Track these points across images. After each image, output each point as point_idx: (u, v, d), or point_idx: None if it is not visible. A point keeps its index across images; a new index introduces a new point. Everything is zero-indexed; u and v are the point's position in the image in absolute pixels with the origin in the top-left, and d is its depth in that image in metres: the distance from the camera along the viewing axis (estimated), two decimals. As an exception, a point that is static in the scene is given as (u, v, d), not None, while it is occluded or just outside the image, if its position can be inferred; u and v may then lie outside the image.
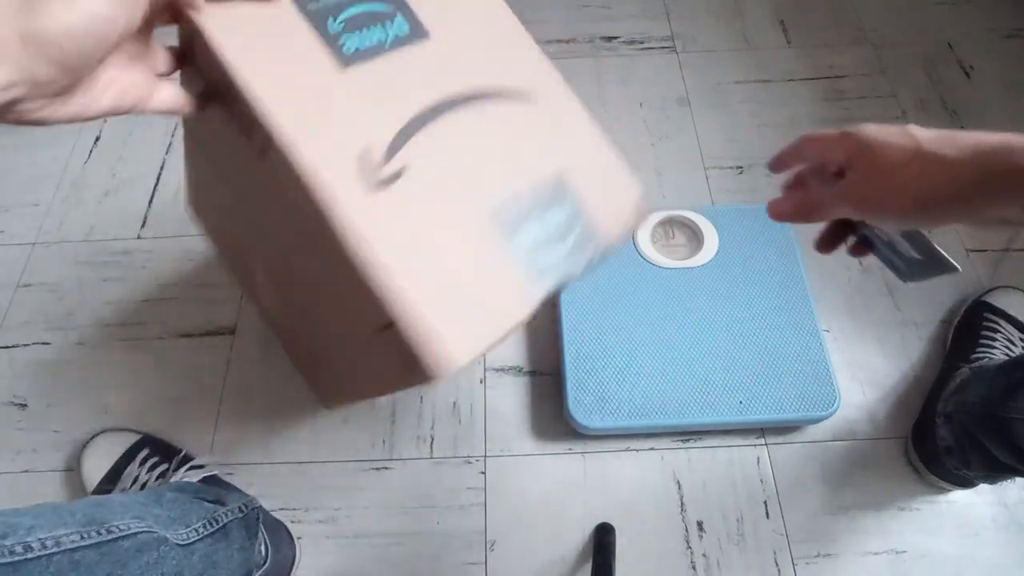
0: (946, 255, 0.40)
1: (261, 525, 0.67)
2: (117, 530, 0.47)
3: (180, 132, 1.08)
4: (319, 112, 0.38)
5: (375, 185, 0.38)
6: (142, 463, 0.75)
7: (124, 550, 0.46)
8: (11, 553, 0.39)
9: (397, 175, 0.39)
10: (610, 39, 1.18)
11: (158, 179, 1.04)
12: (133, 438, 0.78)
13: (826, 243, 0.45)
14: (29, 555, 0.40)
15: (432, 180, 0.40)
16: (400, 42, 0.41)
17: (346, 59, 0.40)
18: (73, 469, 0.79)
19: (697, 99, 1.09)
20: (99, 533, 0.45)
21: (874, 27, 1.17)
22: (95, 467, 0.76)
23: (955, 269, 0.40)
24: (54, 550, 0.42)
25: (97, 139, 1.09)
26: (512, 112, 0.44)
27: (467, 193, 0.40)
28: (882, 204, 0.36)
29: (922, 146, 0.35)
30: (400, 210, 0.38)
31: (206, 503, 0.61)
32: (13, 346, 0.89)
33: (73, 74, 0.30)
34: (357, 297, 0.39)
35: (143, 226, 0.99)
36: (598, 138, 0.46)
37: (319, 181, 0.37)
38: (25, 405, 0.85)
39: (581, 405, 0.77)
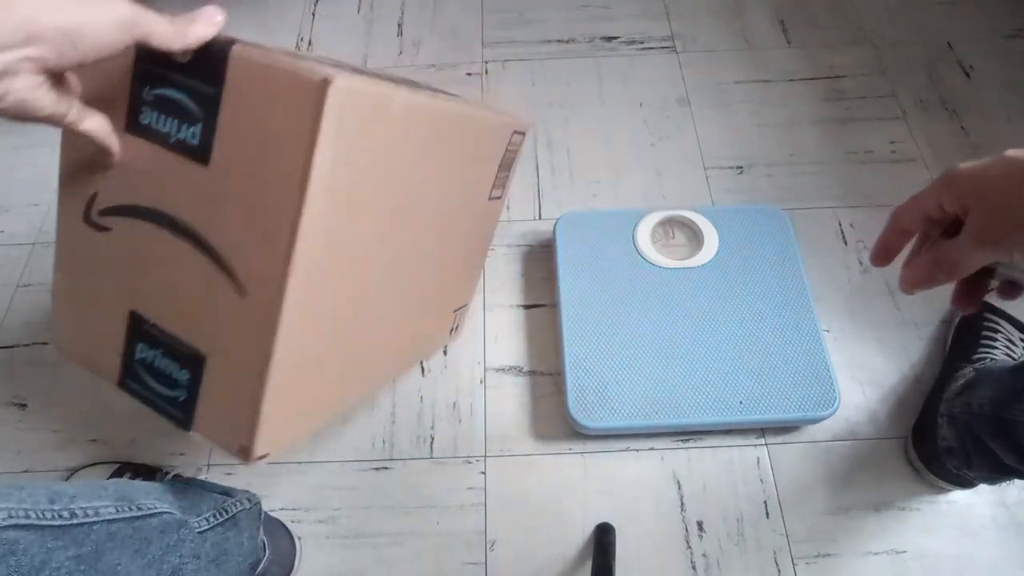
0: None
1: (261, 522, 0.67)
2: (146, 508, 0.50)
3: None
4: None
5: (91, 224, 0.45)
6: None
7: (152, 527, 0.49)
8: (59, 516, 0.43)
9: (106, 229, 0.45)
10: (610, 39, 1.18)
11: (158, 179, 1.04)
12: (113, 466, 0.78)
13: (965, 298, 0.43)
14: (74, 521, 0.44)
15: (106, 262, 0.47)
16: (181, 148, 0.41)
17: (134, 127, 0.41)
18: (73, 470, 0.79)
19: (697, 99, 1.09)
20: (130, 509, 0.48)
21: (874, 27, 1.17)
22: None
23: None
24: (94, 519, 0.45)
25: (97, 139, 1.09)
26: (190, 266, 0.44)
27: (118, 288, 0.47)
28: (1018, 238, 0.34)
29: (1006, 154, 0.34)
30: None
31: (215, 494, 0.62)
32: (13, 346, 0.89)
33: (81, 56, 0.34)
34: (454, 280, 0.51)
35: (143, 226, 0.99)
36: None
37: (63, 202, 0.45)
38: (25, 405, 0.85)
39: (581, 405, 0.77)
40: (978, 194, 0.35)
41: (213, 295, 0.42)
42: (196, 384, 0.44)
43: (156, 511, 0.50)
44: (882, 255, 0.42)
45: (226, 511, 0.59)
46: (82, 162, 0.44)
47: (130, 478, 0.76)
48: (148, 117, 0.41)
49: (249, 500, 0.65)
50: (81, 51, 0.33)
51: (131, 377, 0.46)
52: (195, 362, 0.43)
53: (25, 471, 0.80)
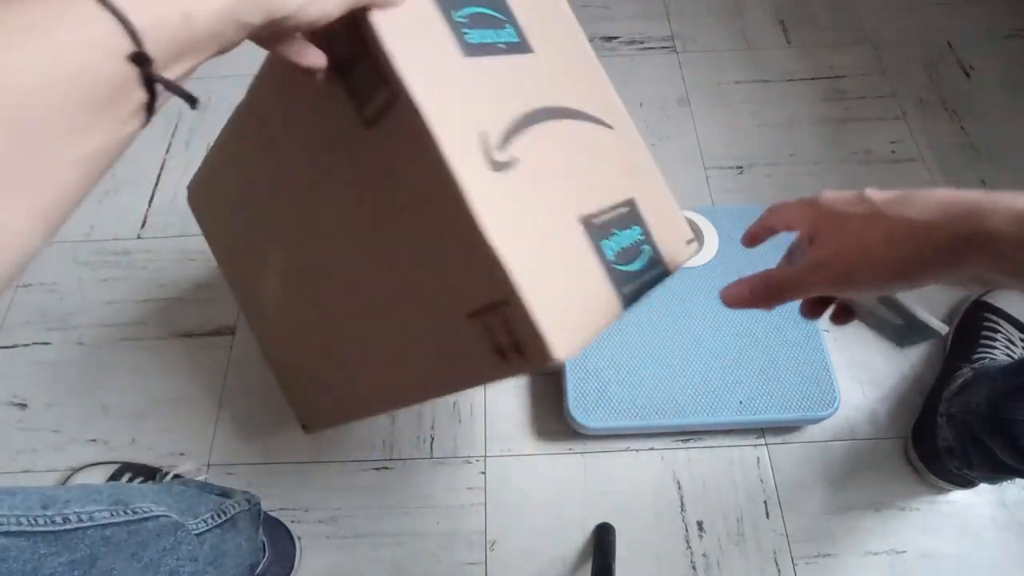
0: (928, 318, 0.38)
1: (261, 523, 0.67)
2: (141, 511, 0.49)
3: (180, 133, 1.09)
4: (445, 86, 0.39)
5: (491, 165, 0.39)
6: (128, 482, 0.75)
7: (148, 531, 0.49)
8: (52, 522, 0.42)
9: (509, 164, 0.40)
10: (610, 39, 1.18)
11: (158, 179, 1.04)
12: (113, 467, 0.78)
13: (809, 309, 0.44)
14: (67, 526, 0.43)
15: (534, 177, 0.41)
16: (510, 49, 0.43)
17: (468, 48, 0.41)
18: (74, 470, 0.79)
19: (697, 99, 1.09)
20: (126, 512, 0.48)
21: (874, 27, 1.17)
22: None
23: (938, 334, 0.38)
24: (88, 524, 0.44)
25: (97, 139, 1.09)
26: (598, 136, 0.48)
27: (563, 196, 0.42)
28: (853, 275, 0.34)
29: (881, 210, 0.33)
30: (511, 195, 0.39)
31: (213, 495, 0.61)
32: (13, 346, 0.89)
33: None
34: (459, 275, 0.40)
35: (143, 226, 0.99)
36: (660, 178, 0.51)
37: (447, 145, 0.37)
38: (25, 405, 0.85)
39: (581, 405, 0.77)
40: (834, 228, 0.36)
41: (612, 149, 0.47)
42: (649, 235, 0.46)
43: (152, 514, 0.50)
44: (748, 241, 0.45)
45: (224, 512, 0.59)
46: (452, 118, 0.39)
47: (130, 478, 0.76)
48: (473, 36, 0.42)
49: (248, 501, 0.65)
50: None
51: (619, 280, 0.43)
52: (635, 215, 0.46)
53: (25, 471, 0.80)
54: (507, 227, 0.38)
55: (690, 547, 0.75)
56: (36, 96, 0.22)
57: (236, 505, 0.61)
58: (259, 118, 0.53)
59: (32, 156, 0.22)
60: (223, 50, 0.29)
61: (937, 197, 0.32)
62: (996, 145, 1.02)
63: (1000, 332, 0.80)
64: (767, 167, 1.02)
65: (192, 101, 0.28)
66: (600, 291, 0.41)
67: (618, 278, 0.42)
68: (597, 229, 0.42)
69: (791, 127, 1.06)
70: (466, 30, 0.41)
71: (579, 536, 0.75)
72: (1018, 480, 0.76)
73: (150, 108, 0.26)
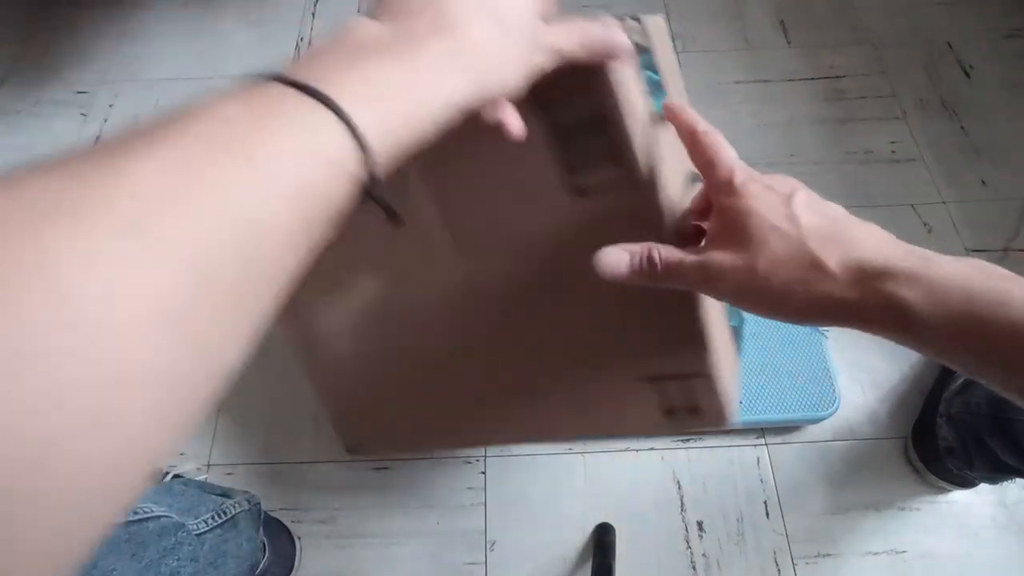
0: None
1: (261, 523, 0.67)
2: (142, 512, 0.49)
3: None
4: (660, 168, 0.39)
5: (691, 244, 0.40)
6: None
7: (148, 532, 0.49)
8: None
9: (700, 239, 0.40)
10: (610, 39, 1.17)
11: (158, 179, 1.04)
12: None
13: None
14: None
15: None
16: (659, 118, 0.43)
17: (655, 118, 0.41)
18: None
19: (697, 99, 1.08)
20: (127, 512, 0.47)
21: (874, 27, 1.17)
22: None
23: None
24: None
25: (97, 139, 1.09)
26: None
27: None
28: (744, 301, 0.32)
29: (807, 244, 0.30)
30: None
31: (213, 496, 0.61)
32: (13, 346, 0.89)
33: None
34: (651, 345, 0.41)
35: (143, 226, 0.99)
36: None
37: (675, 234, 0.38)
38: (25, 405, 0.85)
39: (581, 405, 0.77)
40: (745, 238, 0.32)
41: None
42: None
43: (152, 515, 0.50)
44: (668, 115, 0.39)
45: (224, 513, 0.59)
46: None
47: None
48: (655, 105, 0.42)
49: (248, 501, 0.65)
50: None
51: None
52: None
53: (25, 471, 0.80)
54: (709, 306, 0.39)
55: (690, 547, 0.75)
56: (260, 225, 0.19)
57: (236, 505, 0.61)
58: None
59: (255, 283, 0.20)
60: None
61: (857, 251, 0.30)
62: (996, 145, 1.02)
63: None
64: (767, 167, 1.01)
65: (395, 217, 0.24)
66: (732, 351, 0.44)
67: (733, 337, 0.46)
68: None
69: (791, 127, 1.06)
70: (650, 99, 0.41)
71: (579, 536, 0.75)
72: (1018, 480, 0.76)
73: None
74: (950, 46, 1.14)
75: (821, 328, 0.81)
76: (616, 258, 0.35)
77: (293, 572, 0.73)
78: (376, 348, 0.53)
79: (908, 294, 0.28)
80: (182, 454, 0.81)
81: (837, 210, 0.33)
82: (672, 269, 0.34)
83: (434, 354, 0.53)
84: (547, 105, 0.36)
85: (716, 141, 0.36)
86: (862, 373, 0.84)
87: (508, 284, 0.46)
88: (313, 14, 1.24)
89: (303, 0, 1.26)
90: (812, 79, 1.11)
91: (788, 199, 0.32)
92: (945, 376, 0.79)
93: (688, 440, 0.81)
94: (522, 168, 0.40)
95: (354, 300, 0.51)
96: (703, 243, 0.36)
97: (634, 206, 0.38)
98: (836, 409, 0.77)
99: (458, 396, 0.54)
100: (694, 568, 0.73)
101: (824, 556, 0.74)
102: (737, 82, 1.11)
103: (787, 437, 0.81)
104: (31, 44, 1.21)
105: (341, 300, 0.52)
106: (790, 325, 0.81)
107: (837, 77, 1.11)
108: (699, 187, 0.46)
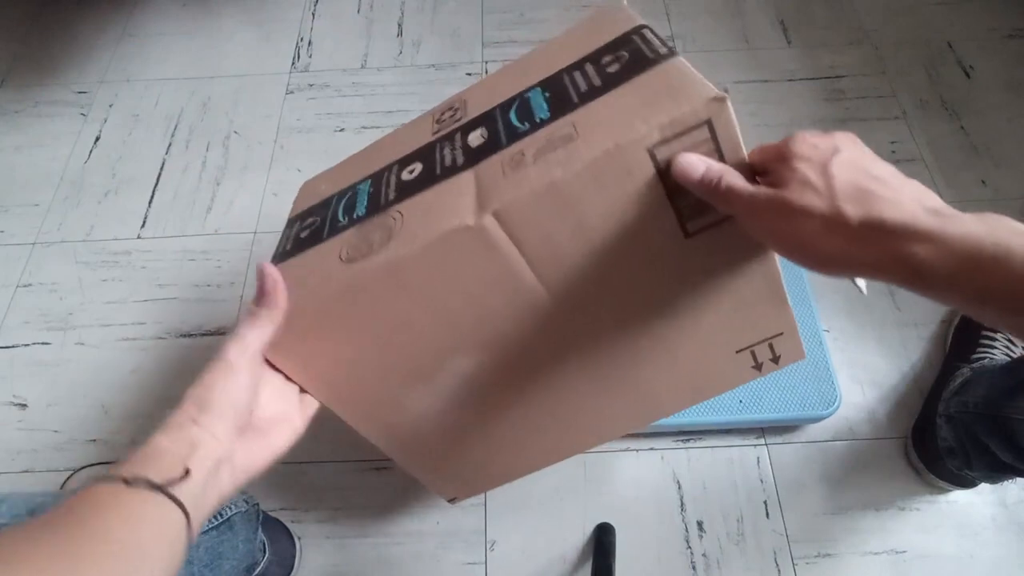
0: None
1: (260, 524, 0.67)
2: None
3: (180, 133, 1.09)
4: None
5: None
6: None
7: None
8: None
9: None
10: (610, 39, 1.17)
11: (158, 179, 1.04)
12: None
13: None
14: None
15: None
16: None
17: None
18: (74, 470, 0.79)
19: (697, 99, 1.09)
20: None
21: (874, 27, 1.17)
22: None
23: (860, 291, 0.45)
24: None
25: (97, 139, 1.09)
26: None
27: None
28: (782, 246, 0.36)
29: (836, 200, 0.33)
30: None
31: None
32: (13, 346, 0.89)
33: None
34: (743, 331, 0.49)
35: (143, 226, 0.99)
36: None
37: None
38: (25, 405, 0.85)
39: (581, 405, 0.77)
40: (785, 180, 0.36)
41: None
42: None
43: None
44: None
45: (221, 514, 0.59)
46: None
47: None
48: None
49: (246, 502, 0.65)
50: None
51: None
52: None
53: (25, 471, 0.80)
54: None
55: (690, 547, 0.75)
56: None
57: (233, 507, 0.61)
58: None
59: None
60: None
61: (878, 209, 0.33)
62: (996, 145, 1.02)
63: (1000, 332, 0.80)
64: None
65: None
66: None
67: None
68: None
69: (791, 127, 1.06)
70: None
71: (579, 536, 0.75)
72: (1018, 480, 0.76)
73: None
74: (950, 46, 1.14)
75: (822, 327, 0.81)
76: (692, 165, 0.39)
77: (293, 572, 0.72)
78: (459, 415, 0.53)
79: (920, 252, 0.31)
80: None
81: (881, 168, 0.36)
82: (731, 194, 0.37)
83: (521, 401, 0.53)
84: (661, 169, 0.40)
85: (762, 150, 0.41)
86: (862, 373, 0.84)
87: (600, 325, 0.48)
88: (313, 14, 1.24)
89: (303, 0, 1.26)
90: (812, 79, 1.11)
91: (832, 154, 0.35)
92: (945, 376, 0.79)
93: (688, 440, 0.81)
94: (645, 227, 0.42)
95: (447, 380, 0.50)
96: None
97: (731, 239, 0.43)
98: (836, 409, 0.77)
99: (548, 425, 0.55)
100: (694, 568, 0.73)
101: (824, 556, 0.74)
102: (737, 82, 1.11)
103: (787, 437, 0.81)
104: (31, 44, 1.21)
105: (432, 384, 0.50)
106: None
107: (837, 77, 1.11)
108: None
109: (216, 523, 0.58)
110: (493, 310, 0.45)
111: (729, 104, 0.39)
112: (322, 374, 0.46)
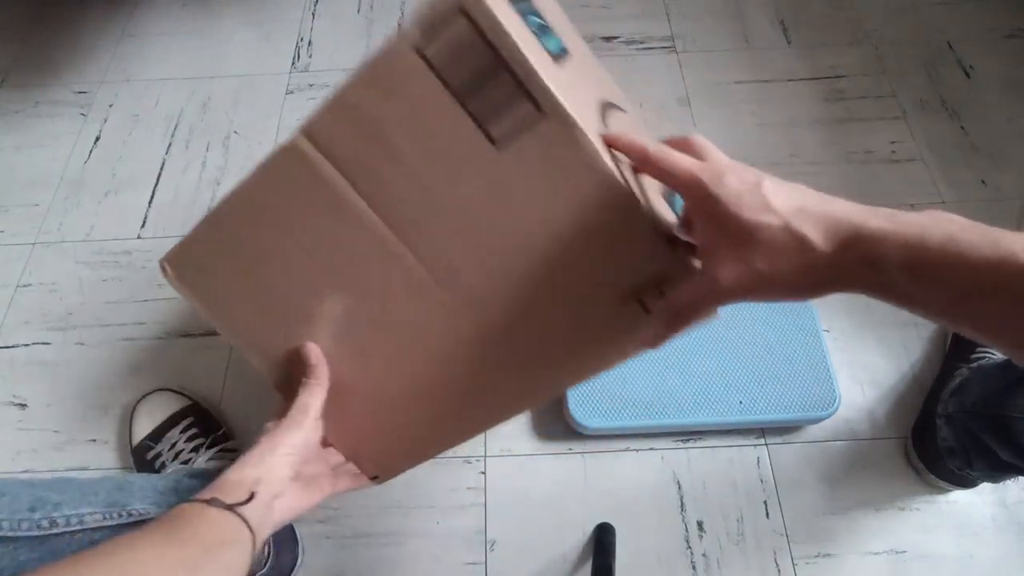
0: None
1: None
2: (137, 514, 0.49)
3: (180, 133, 1.09)
4: (567, 95, 0.40)
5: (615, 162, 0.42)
6: (184, 430, 0.76)
7: None
8: (39, 527, 0.42)
9: (620, 159, 0.42)
10: (610, 39, 1.18)
11: (158, 179, 1.04)
12: (183, 403, 0.79)
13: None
14: (55, 530, 0.43)
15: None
16: (564, 54, 0.44)
17: (552, 56, 0.42)
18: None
19: (697, 99, 1.09)
20: (119, 516, 0.48)
21: (874, 27, 1.17)
22: (143, 423, 0.78)
23: None
24: (77, 527, 0.44)
25: (97, 139, 1.09)
26: (630, 122, 0.52)
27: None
28: (753, 297, 0.35)
29: (790, 226, 0.33)
30: (632, 179, 0.42)
31: None
32: (13, 346, 0.89)
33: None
34: (624, 247, 0.42)
35: (143, 226, 0.99)
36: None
37: (601, 152, 0.39)
38: (25, 405, 0.85)
39: (581, 405, 0.77)
40: (736, 245, 0.34)
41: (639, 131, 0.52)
42: None
43: (148, 516, 0.50)
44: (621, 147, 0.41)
45: None
46: None
47: (190, 423, 0.77)
48: (547, 44, 0.43)
49: None
50: None
51: None
52: None
53: (25, 471, 0.80)
54: (652, 202, 0.42)
55: (690, 547, 0.75)
56: None
57: None
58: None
59: None
60: None
61: (830, 215, 0.33)
62: (996, 145, 1.02)
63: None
64: (767, 167, 1.00)
65: None
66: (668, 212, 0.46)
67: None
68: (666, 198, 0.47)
69: (791, 127, 1.06)
70: (539, 38, 0.42)
71: (579, 536, 0.75)
72: (1020, 479, 0.76)
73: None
74: (950, 46, 1.14)
75: (821, 327, 0.81)
76: (650, 336, 0.40)
77: (294, 571, 0.73)
78: (346, 371, 0.53)
79: (880, 250, 0.31)
80: (184, 462, 0.81)
81: (802, 189, 0.35)
82: (688, 311, 0.38)
83: (400, 358, 0.53)
84: (436, 68, 0.39)
85: (665, 154, 0.38)
86: (862, 373, 0.84)
87: (478, 274, 0.47)
88: (313, 14, 1.24)
89: (303, 0, 1.26)
90: (812, 79, 1.11)
91: (758, 189, 0.35)
92: (944, 376, 0.79)
93: (688, 440, 0.81)
94: (440, 139, 0.41)
95: (326, 327, 0.51)
96: (700, 259, 0.38)
97: (552, 139, 0.39)
98: (836, 409, 0.77)
99: (453, 396, 0.54)
100: (694, 568, 0.73)
101: (824, 556, 0.74)
102: (737, 82, 1.11)
103: (787, 437, 0.81)
104: (31, 44, 1.21)
105: (312, 329, 0.52)
106: (790, 325, 0.82)
107: (837, 77, 1.11)
108: (623, 117, 0.49)
109: None
110: (340, 243, 0.47)
111: None
112: (228, 306, 0.53)
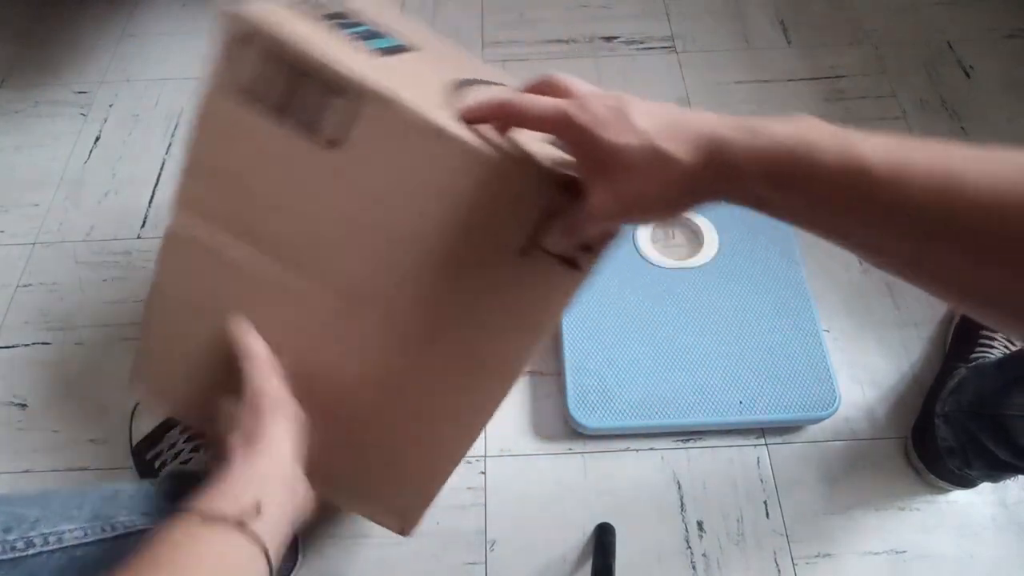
0: None
1: None
2: (122, 526, 0.47)
3: (179, 133, 1.09)
4: (390, 79, 0.40)
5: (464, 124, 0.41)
6: (183, 430, 0.76)
7: (129, 547, 0.47)
8: (13, 549, 0.40)
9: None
10: (610, 39, 1.18)
11: (158, 179, 1.04)
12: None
13: None
14: (31, 551, 0.41)
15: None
16: (402, 49, 0.45)
17: (378, 52, 0.43)
18: (74, 470, 0.79)
19: (697, 99, 1.09)
20: (103, 530, 0.46)
21: (874, 27, 1.17)
22: (143, 424, 0.78)
23: None
24: (55, 547, 0.42)
25: (97, 139, 1.09)
26: (506, 90, 0.51)
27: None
28: (629, 218, 0.36)
29: (654, 144, 0.33)
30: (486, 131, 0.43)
31: None
32: (13, 346, 0.89)
33: None
34: (502, 202, 0.42)
35: (143, 226, 0.99)
36: None
37: (433, 115, 0.40)
38: (25, 405, 0.85)
39: (581, 405, 0.77)
40: (607, 169, 0.35)
41: None
42: None
43: (135, 528, 0.48)
44: (467, 116, 0.41)
45: None
46: None
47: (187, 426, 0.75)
48: (373, 44, 0.45)
49: None
50: None
51: None
52: None
53: (25, 471, 0.80)
54: (526, 139, 0.42)
55: (690, 547, 0.75)
56: None
57: None
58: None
59: None
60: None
61: (693, 127, 0.33)
62: (996, 145, 1.02)
63: (999, 332, 0.80)
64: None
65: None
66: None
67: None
68: None
69: (791, 127, 1.06)
70: (364, 41, 0.43)
71: (579, 536, 0.75)
72: (1019, 479, 0.76)
73: None
74: (950, 46, 1.14)
75: (821, 327, 0.81)
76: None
77: (294, 571, 0.73)
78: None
79: (739, 162, 0.31)
80: (184, 462, 0.80)
81: (670, 106, 0.35)
82: (582, 231, 0.40)
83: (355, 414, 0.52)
84: (250, 99, 0.40)
85: (526, 102, 0.38)
86: (862, 373, 0.84)
87: (385, 281, 0.46)
88: (313, 14, 1.24)
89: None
90: (812, 79, 1.11)
91: (624, 114, 0.34)
92: (943, 376, 0.79)
93: (688, 440, 0.81)
94: (283, 162, 0.42)
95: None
96: (584, 188, 0.38)
97: (381, 121, 0.40)
98: (836, 409, 0.77)
99: (423, 411, 0.53)
100: (694, 568, 0.73)
101: (824, 556, 0.74)
102: (737, 82, 1.11)
103: (787, 437, 0.81)
104: (31, 44, 1.21)
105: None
106: (790, 325, 0.82)
107: (837, 77, 1.11)
108: (487, 88, 0.49)
109: None
110: (254, 301, 0.48)
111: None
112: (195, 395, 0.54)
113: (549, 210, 0.42)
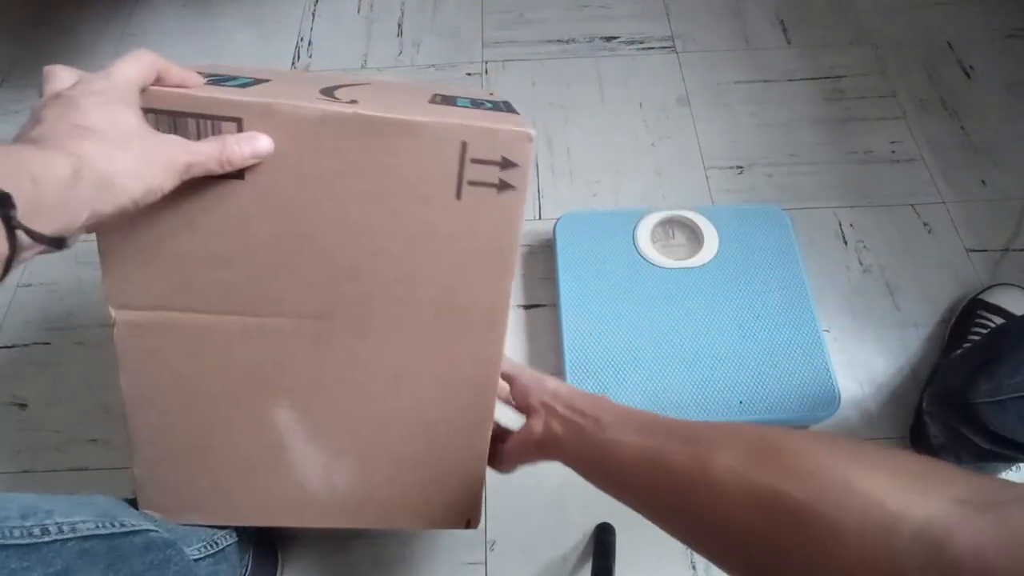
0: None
1: (252, 547, 0.67)
2: (130, 525, 0.48)
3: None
4: (262, 93, 0.42)
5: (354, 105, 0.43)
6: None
7: (132, 545, 0.47)
8: (30, 535, 0.41)
9: (355, 101, 0.43)
10: (610, 39, 1.18)
11: (158, 179, 1.04)
12: None
13: None
14: (46, 538, 0.42)
15: (383, 94, 0.51)
16: (253, 83, 0.46)
17: (242, 86, 0.44)
18: (76, 469, 0.79)
19: (697, 99, 1.09)
20: (112, 525, 0.47)
21: (874, 27, 1.17)
22: None
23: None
24: (69, 535, 0.43)
25: (97, 139, 1.08)
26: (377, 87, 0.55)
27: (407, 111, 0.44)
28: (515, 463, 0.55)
29: (553, 434, 0.52)
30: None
31: (204, 526, 0.60)
32: (13, 346, 0.89)
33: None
34: (426, 166, 0.43)
35: (143, 226, 0.99)
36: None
37: (312, 105, 0.41)
38: (25, 405, 0.85)
39: (581, 405, 0.77)
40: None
41: (389, 91, 0.58)
42: None
43: (140, 529, 0.48)
44: None
45: (216, 544, 0.58)
46: None
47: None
48: (231, 83, 0.45)
49: (236, 532, 0.64)
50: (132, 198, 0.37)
51: None
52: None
53: (25, 471, 0.80)
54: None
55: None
56: None
57: (228, 536, 0.60)
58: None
59: None
60: (93, 224, 0.37)
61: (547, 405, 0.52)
62: (996, 145, 1.02)
63: (990, 328, 0.80)
64: (767, 167, 1.02)
65: (59, 244, 0.34)
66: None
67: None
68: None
69: (791, 127, 1.06)
70: (225, 84, 0.44)
71: (579, 536, 0.75)
72: (1018, 468, 0.76)
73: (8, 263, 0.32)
74: (950, 46, 1.14)
75: (821, 327, 0.81)
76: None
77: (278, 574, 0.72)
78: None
79: (559, 430, 0.50)
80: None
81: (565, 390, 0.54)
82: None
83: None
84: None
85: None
86: (862, 373, 0.84)
87: (355, 291, 0.47)
88: (313, 14, 1.24)
89: (303, 0, 1.26)
90: (812, 79, 1.11)
91: (549, 400, 0.53)
92: (933, 373, 0.79)
93: (688, 440, 0.80)
94: (214, 207, 0.43)
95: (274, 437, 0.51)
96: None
97: (273, 131, 0.41)
98: (836, 409, 0.77)
99: (441, 420, 0.54)
100: (694, 568, 0.73)
101: (824, 556, 0.74)
102: (737, 82, 1.11)
103: (787, 437, 0.80)
104: (31, 44, 1.21)
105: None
106: (790, 325, 0.81)
107: (837, 77, 1.11)
108: (341, 92, 0.49)
109: (211, 552, 0.57)
110: (229, 365, 0.48)
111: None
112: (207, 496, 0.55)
113: (464, 148, 0.43)
